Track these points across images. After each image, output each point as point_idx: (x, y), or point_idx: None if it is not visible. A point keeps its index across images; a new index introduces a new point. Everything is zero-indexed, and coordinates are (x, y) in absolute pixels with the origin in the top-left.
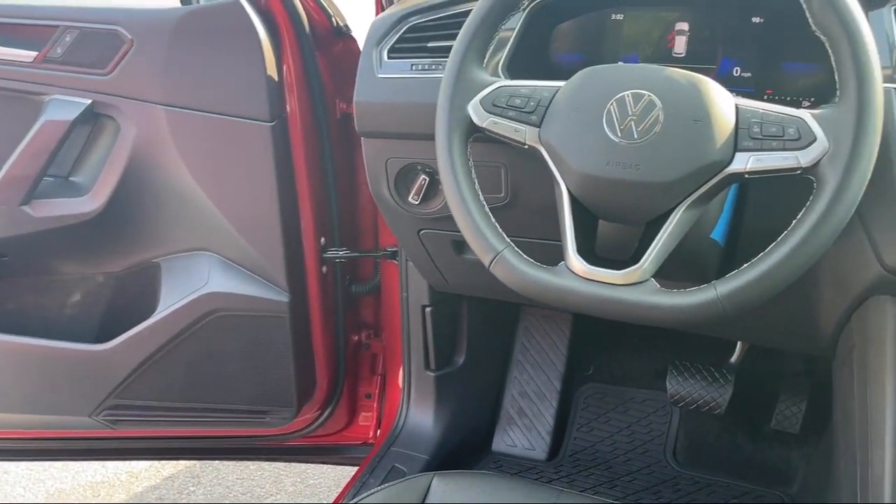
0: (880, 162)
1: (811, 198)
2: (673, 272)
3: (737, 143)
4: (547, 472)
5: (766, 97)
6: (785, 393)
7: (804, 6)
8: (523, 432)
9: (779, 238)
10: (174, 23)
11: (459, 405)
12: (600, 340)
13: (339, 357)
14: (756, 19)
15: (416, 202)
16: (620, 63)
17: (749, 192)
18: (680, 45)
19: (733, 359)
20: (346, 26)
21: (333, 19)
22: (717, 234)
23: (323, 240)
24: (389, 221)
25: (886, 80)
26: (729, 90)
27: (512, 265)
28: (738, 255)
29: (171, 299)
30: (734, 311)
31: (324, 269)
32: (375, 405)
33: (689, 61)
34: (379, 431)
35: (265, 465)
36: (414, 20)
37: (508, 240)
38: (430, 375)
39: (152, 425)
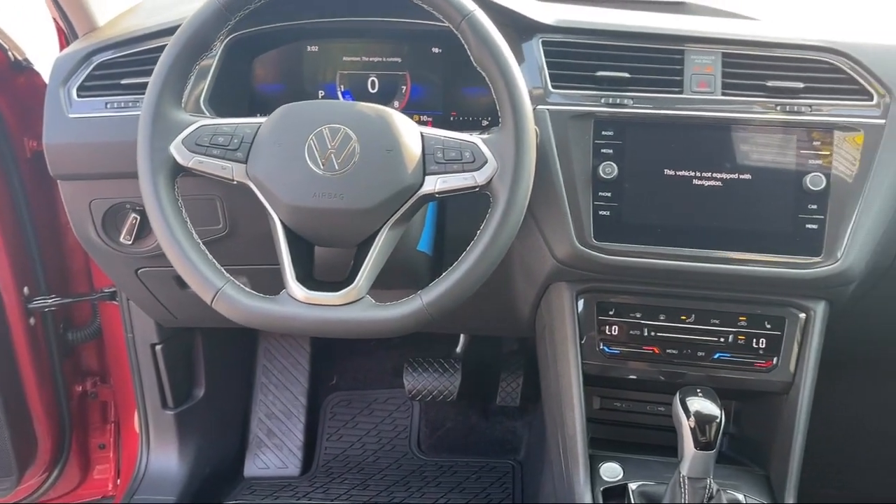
0: (543, 173)
1: (489, 210)
2: (392, 283)
3: (425, 167)
4: (302, 486)
5: (452, 118)
6: (505, 372)
7: (465, 45)
8: (274, 452)
9: (468, 247)
10: None
11: (205, 438)
12: (340, 350)
13: (61, 412)
14: (436, 49)
15: (129, 242)
16: (320, 98)
17: (447, 206)
18: (373, 75)
19: (458, 349)
20: (27, 60)
21: (10, 53)
22: (424, 245)
23: (26, 289)
24: (101, 264)
25: (539, 99)
26: (420, 113)
27: (234, 300)
28: (445, 261)
29: None
30: (439, 315)
31: (31, 320)
32: (112, 455)
33: (382, 90)
34: (119, 481)
35: None
36: (103, 56)
37: (228, 275)
38: (168, 414)
39: None
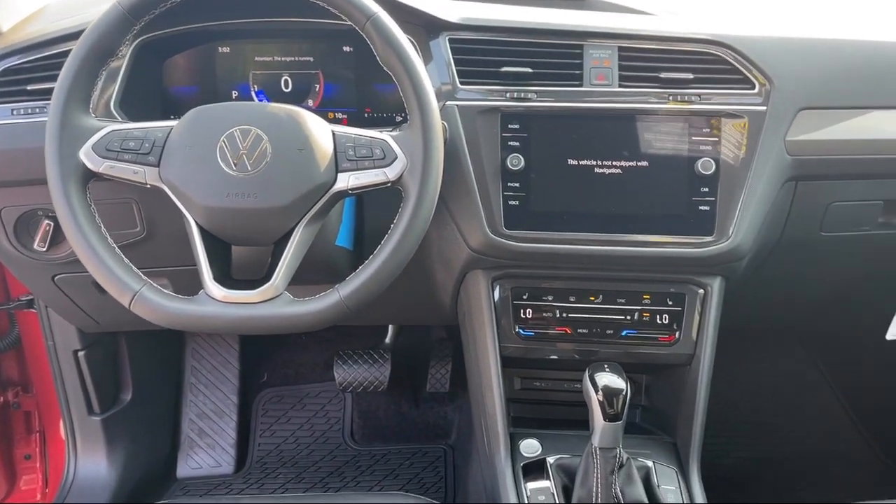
0: (454, 166)
1: (401, 205)
2: (313, 279)
3: (338, 165)
4: (236, 484)
5: (366, 115)
6: (434, 359)
7: (371, 46)
8: (207, 452)
9: (382, 241)
10: None
11: (134, 442)
12: (270, 346)
13: None
14: (347, 48)
15: (44, 249)
16: (234, 98)
17: (365, 200)
18: (286, 75)
19: (387, 339)
20: None
21: None
22: (343, 240)
23: None
24: (16, 272)
25: (448, 95)
26: (335, 111)
27: (152, 302)
28: (365, 255)
29: None
30: (356, 307)
31: None
32: (38, 465)
33: (296, 89)
34: (47, 490)
35: None
36: (7, 63)
37: (145, 277)
38: (95, 420)
39: None
